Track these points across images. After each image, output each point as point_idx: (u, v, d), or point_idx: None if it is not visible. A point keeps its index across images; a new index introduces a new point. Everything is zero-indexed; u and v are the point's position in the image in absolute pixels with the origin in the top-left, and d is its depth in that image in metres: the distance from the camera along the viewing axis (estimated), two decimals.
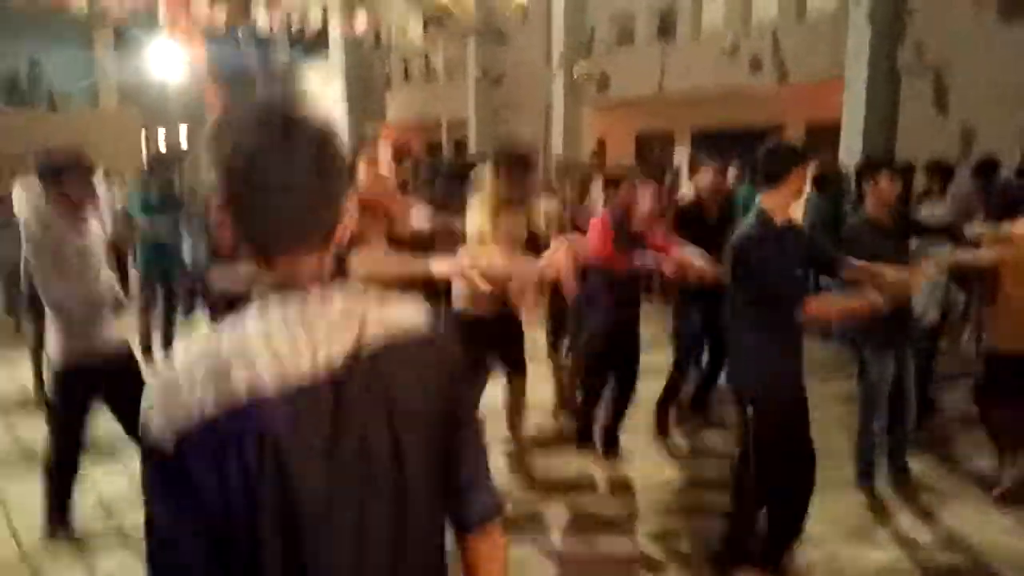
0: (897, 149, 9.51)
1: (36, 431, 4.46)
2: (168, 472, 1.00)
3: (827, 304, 3.25)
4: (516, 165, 3.87)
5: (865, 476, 4.23)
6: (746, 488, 3.30)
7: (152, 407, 1.02)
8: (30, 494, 3.78)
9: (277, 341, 1.04)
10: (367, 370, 1.09)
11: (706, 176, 4.92)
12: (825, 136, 11.35)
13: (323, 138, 1.10)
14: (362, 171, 2.58)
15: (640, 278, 4.71)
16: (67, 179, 3.36)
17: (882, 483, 4.25)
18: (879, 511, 4.03)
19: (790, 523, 3.30)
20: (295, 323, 1.06)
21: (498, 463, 4.36)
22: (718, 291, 4.78)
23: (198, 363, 1.03)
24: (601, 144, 14.59)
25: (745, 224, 3.14)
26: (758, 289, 3.05)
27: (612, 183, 4.71)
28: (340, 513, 1.06)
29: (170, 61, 18.27)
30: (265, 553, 1.01)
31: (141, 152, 13.54)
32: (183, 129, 20.86)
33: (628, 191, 4.50)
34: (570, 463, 4.55)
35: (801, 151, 3.21)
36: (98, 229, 3.59)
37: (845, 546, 3.63)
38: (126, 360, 3.62)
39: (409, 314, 1.18)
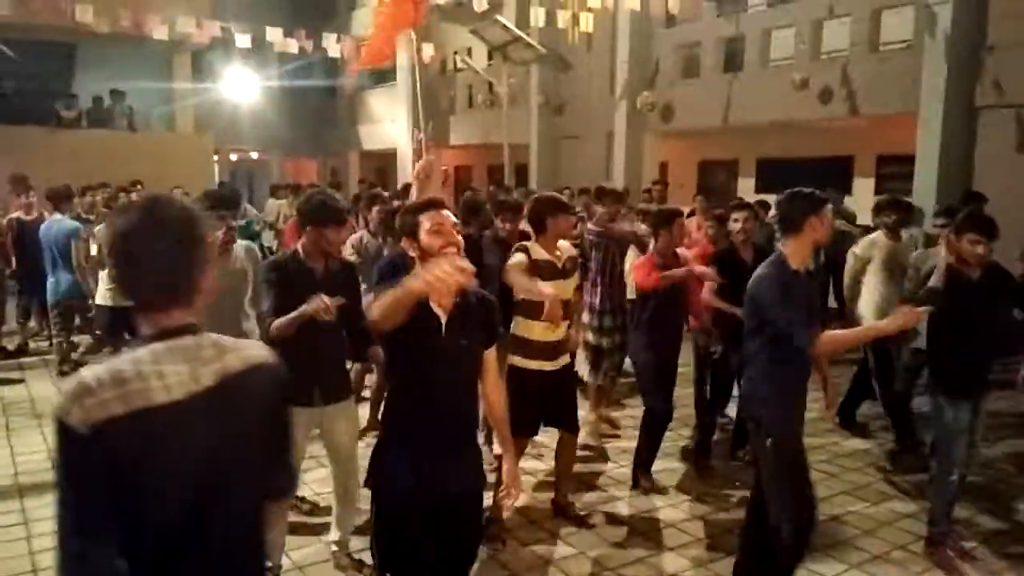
0: (974, 188, 9.16)
1: None
2: (82, 453, 1.39)
3: (838, 338, 3.31)
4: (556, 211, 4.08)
5: (939, 534, 4.05)
6: (759, 527, 3.34)
7: (71, 402, 1.40)
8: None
9: (164, 368, 1.48)
10: (228, 389, 1.55)
11: (737, 222, 5.04)
12: (898, 170, 11.04)
13: (185, 219, 1.54)
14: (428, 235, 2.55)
15: (679, 313, 4.87)
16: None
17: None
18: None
19: (796, 558, 3.35)
20: (177, 356, 1.50)
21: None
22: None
23: (106, 376, 1.44)
24: (664, 169, 14.47)
25: (761, 268, 3.32)
26: (763, 323, 3.21)
27: (664, 222, 4.78)
28: (204, 487, 1.51)
29: (244, 87, 18.93)
30: (145, 517, 1.45)
31: (214, 175, 13.98)
32: (254, 155, 21.54)
33: (679, 231, 4.75)
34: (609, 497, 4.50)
35: (817, 198, 3.25)
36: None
37: None
38: None
39: (258, 350, 1.68)
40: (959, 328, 3.87)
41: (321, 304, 3.10)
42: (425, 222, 2.53)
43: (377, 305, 2.28)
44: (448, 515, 2.53)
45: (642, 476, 4.79)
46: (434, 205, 2.60)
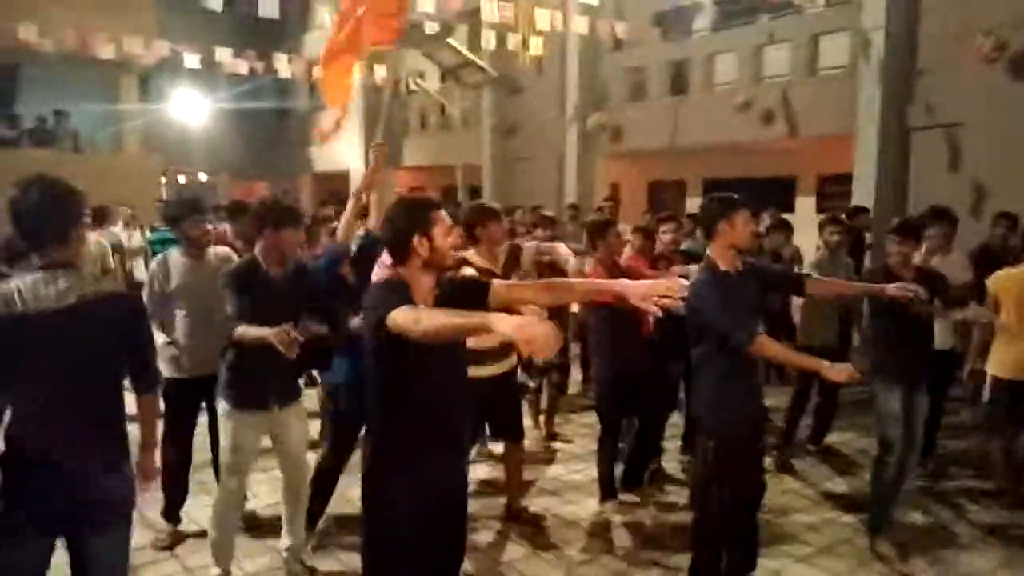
0: (909, 205, 9.55)
1: None
2: None
3: (776, 348, 3.40)
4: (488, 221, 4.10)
5: (875, 524, 4.25)
6: (705, 522, 3.48)
7: None
8: None
9: (39, 289, 2.28)
10: (83, 309, 2.31)
11: (666, 234, 5.31)
12: (838, 189, 11.45)
13: (57, 190, 2.36)
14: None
15: (642, 323, 4.72)
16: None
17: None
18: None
19: (741, 560, 3.51)
20: (50, 281, 2.30)
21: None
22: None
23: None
24: (615, 189, 14.73)
25: (695, 274, 3.48)
26: (704, 328, 3.33)
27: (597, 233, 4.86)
28: (62, 373, 2.31)
29: (193, 108, 18.73)
30: (23, 388, 2.32)
31: (161, 197, 13.78)
32: (203, 176, 21.23)
33: (614, 241, 4.78)
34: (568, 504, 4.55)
35: (728, 203, 3.39)
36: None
37: None
38: None
39: (112, 286, 2.59)
40: (894, 323, 4.12)
41: (285, 338, 3.07)
42: (440, 220, 2.44)
43: (434, 321, 2.10)
44: (448, 525, 2.53)
45: (607, 496, 4.70)
46: (440, 203, 2.54)
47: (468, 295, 2.50)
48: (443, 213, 2.48)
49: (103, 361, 2.39)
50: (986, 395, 4.70)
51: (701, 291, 3.31)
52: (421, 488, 2.43)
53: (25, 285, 2.26)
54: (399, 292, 2.34)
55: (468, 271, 3.98)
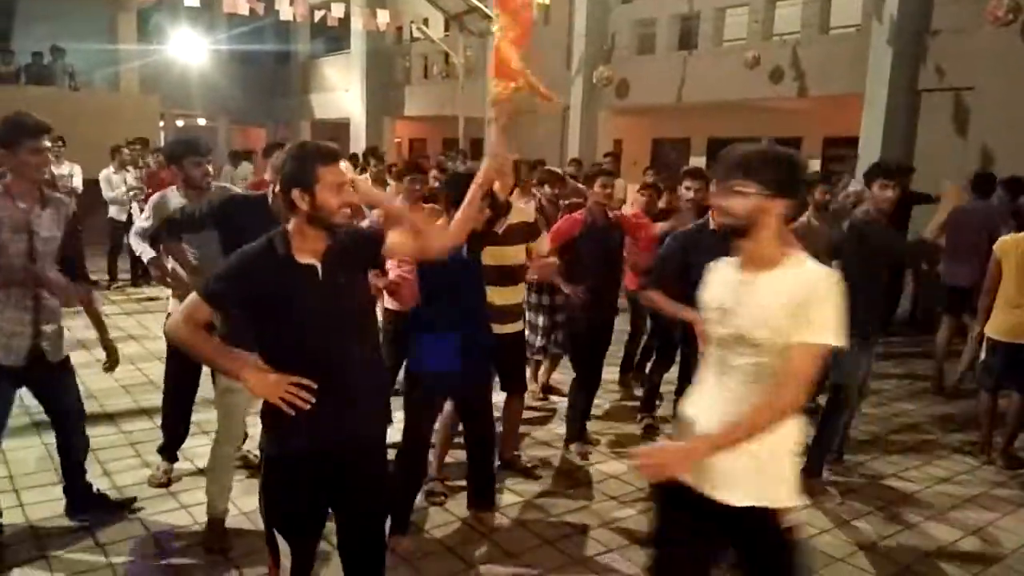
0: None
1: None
2: None
3: (655, 297, 3.73)
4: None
5: (815, 469, 4.34)
6: None
7: None
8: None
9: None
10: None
11: (689, 191, 5.04)
12: (842, 152, 11.35)
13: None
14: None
15: (613, 275, 4.82)
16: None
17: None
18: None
19: None
20: None
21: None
22: None
23: None
24: (618, 146, 14.60)
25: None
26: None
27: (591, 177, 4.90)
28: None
29: (192, 50, 18.40)
30: None
31: (159, 139, 13.62)
32: (202, 120, 20.98)
33: (600, 189, 4.64)
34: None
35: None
36: None
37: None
38: None
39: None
40: (856, 277, 4.15)
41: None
42: (327, 176, 2.21)
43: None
44: (344, 467, 2.35)
45: (574, 443, 4.78)
46: (337, 156, 2.27)
47: (361, 246, 2.41)
48: (338, 167, 2.25)
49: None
50: (983, 355, 4.83)
51: (671, 241, 3.77)
52: (288, 436, 2.30)
53: None
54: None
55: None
